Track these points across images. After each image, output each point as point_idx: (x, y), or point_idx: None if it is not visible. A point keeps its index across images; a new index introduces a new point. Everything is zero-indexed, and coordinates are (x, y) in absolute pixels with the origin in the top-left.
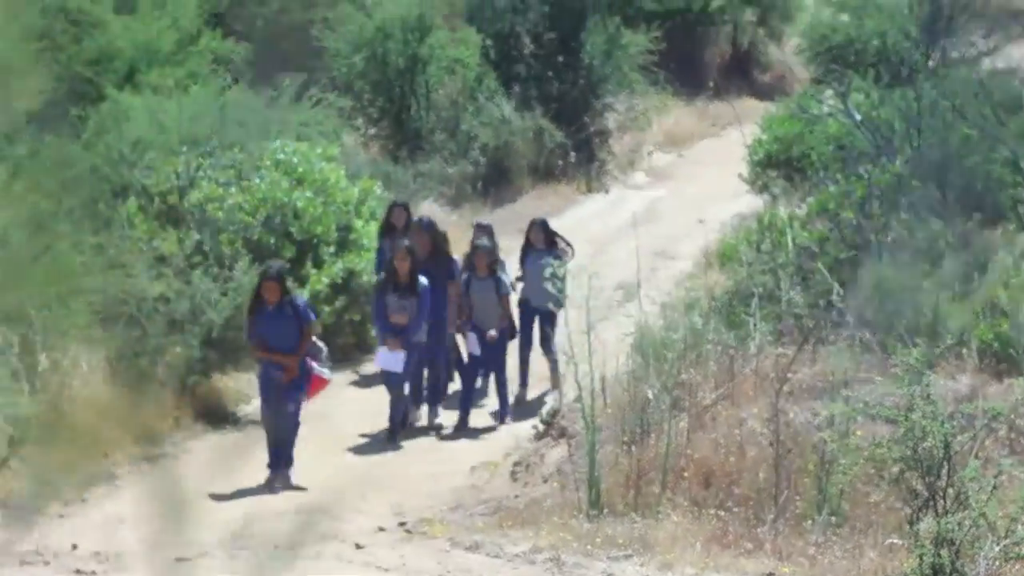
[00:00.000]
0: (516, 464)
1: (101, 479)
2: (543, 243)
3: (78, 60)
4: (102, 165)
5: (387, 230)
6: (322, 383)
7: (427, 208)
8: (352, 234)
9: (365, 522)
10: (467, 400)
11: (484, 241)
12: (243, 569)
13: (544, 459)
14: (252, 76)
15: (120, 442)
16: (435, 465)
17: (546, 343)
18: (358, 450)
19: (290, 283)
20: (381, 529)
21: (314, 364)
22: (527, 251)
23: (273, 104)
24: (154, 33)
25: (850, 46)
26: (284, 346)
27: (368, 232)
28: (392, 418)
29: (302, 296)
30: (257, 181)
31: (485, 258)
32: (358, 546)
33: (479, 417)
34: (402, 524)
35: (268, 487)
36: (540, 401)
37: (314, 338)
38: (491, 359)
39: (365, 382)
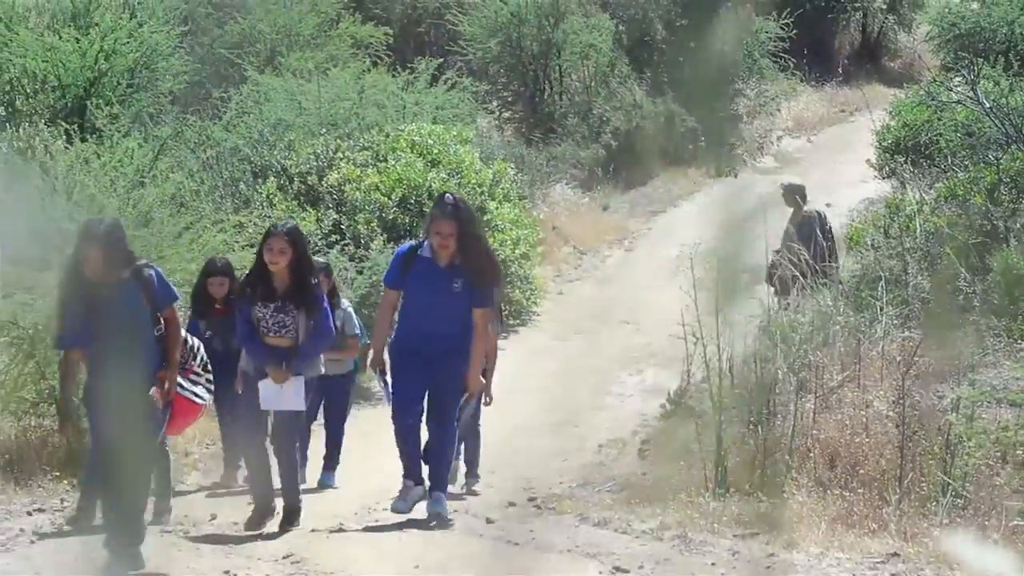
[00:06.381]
0: (644, 442)
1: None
2: None
3: (221, 43)
4: (243, 146)
5: (203, 305)
6: (192, 410)
7: (559, 191)
8: (485, 215)
9: (496, 497)
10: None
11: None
12: (377, 541)
13: (671, 438)
14: (390, 60)
15: None
16: (564, 442)
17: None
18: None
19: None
20: (511, 504)
21: (180, 380)
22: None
23: (410, 87)
24: (295, 17)
25: (979, 34)
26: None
27: (501, 213)
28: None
29: (156, 268)
30: (393, 163)
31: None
32: (489, 520)
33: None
34: (532, 500)
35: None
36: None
37: (184, 332)
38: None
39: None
